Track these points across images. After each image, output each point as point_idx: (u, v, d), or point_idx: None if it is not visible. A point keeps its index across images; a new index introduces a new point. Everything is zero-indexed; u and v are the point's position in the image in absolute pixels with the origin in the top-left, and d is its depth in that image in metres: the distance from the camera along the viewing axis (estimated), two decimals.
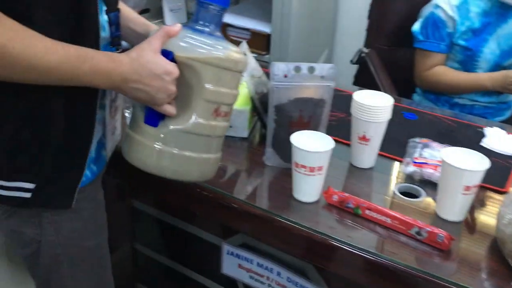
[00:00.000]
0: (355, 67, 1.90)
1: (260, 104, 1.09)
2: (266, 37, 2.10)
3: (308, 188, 0.92)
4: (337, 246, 0.85)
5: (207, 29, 0.81)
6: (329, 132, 1.17)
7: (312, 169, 0.89)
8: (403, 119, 1.29)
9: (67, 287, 0.89)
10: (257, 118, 1.15)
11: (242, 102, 1.10)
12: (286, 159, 1.02)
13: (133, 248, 1.33)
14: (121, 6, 0.94)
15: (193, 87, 0.80)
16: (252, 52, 2.17)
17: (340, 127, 1.19)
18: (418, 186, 1.01)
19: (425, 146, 1.09)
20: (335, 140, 1.15)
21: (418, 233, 0.85)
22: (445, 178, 0.90)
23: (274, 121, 1.00)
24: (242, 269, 1.12)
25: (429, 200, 0.97)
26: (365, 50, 1.77)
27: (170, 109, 0.80)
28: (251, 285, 1.11)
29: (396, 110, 1.32)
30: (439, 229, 0.84)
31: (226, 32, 2.04)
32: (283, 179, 0.99)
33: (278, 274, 1.06)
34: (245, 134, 1.14)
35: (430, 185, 1.00)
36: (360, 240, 0.85)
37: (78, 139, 0.80)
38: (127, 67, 0.75)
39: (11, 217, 0.82)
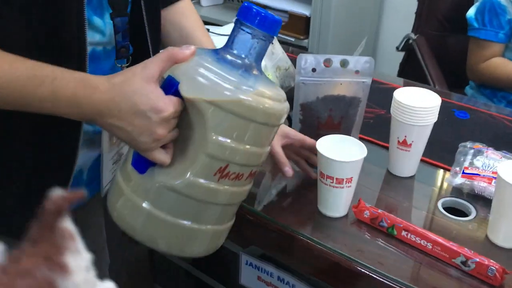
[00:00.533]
0: (401, 56, 1.73)
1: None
2: (305, 20, 1.96)
3: (334, 202, 0.80)
4: (365, 273, 0.72)
5: (239, 61, 0.61)
6: (364, 131, 1.03)
7: (340, 181, 0.77)
8: (454, 118, 1.13)
9: None
10: None
11: None
12: (312, 165, 0.90)
13: (150, 249, 1.25)
14: (191, 17, 0.83)
15: (195, 134, 0.60)
16: (290, 36, 2.03)
17: (378, 126, 1.05)
18: (467, 201, 0.86)
19: (478, 153, 0.94)
20: (371, 142, 1.03)
21: (464, 263, 0.72)
22: (500, 197, 0.75)
23: (300, 122, 0.87)
24: (262, 282, 1.01)
25: (480, 219, 0.82)
26: (413, 36, 1.60)
27: (161, 156, 0.60)
28: None
29: (445, 107, 1.17)
30: (490, 260, 0.70)
31: None
32: (308, 188, 0.87)
33: None
34: None
35: (483, 201, 0.85)
36: (393, 267, 0.72)
37: (55, 168, 0.68)
38: (104, 97, 0.58)
39: None
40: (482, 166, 0.89)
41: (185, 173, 0.60)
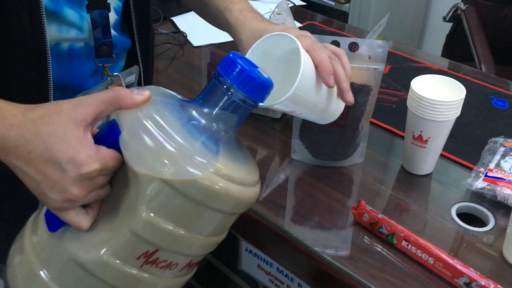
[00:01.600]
0: (448, 28, 1.57)
1: None
2: None
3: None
4: (355, 285, 0.66)
5: (204, 123, 0.47)
6: (383, 118, 0.94)
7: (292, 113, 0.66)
8: (490, 106, 1.01)
9: None
10: None
11: None
12: (315, 154, 0.82)
13: None
14: None
15: (126, 201, 0.46)
16: None
17: (400, 112, 0.95)
18: (486, 209, 0.76)
19: (508, 151, 0.83)
20: (388, 131, 0.93)
21: (468, 285, 0.63)
22: None
23: None
24: (261, 270, 0.97)
25: (498, 231, 0.73)
26: (462, 6, 1.43)
27: (76, 219, 0.47)
28: None
29: (482, 93, 1.05)
30: (498, 285, 0.61)
31: None
32: (309, 182, 0.80)
33: (300, 286, 0.90)
34: (277, 114, 0.95)
35: (504, 210, 0.75)
36: (385, 283, 0.65)
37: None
38: (12, 132, 0.45)
39: None
40: (510, 169, 0.79)
41: (100, 248, 0.46)
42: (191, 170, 0.44)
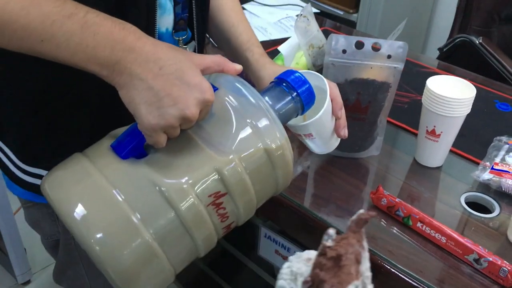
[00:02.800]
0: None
1: None
2: None
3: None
4: (375, 260, 0.73)
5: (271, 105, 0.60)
6: (396, 116, 1.02)
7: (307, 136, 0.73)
8: (494, 109, 1.09)
9: (82, 284, 0.83)
10: None
11: None
12: None
13: None
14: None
15: (214, 142, 0.55)
16: (338, 9, 1.98)
17: (411, 112, 1.03)
18: (492, 198, 0.83)
19: None
20: (401, 128, 1.00)
21: (477, 261, 0.70)
22: None
23: None
24: (278, 256, 1.03)
25: (503, 218, 0.80)
26: (476, 40, 1.49)
27: (162, 138, 0.52)
28: None
29: (487, 97, 1.12)
30: (504, 261, 0.68)
31: None
32: (329, 169, 0.87)
33: None
34: None
35: (508, 199, 0.83)
36: (403, 258, 0.72)
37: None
38: (147, 46, 0.50)
39: (32, 208, 0.77)
40: None
41: (182, 176, 0.52)
42: (278, 135, 0.57)
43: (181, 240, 0.54)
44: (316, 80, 0.69)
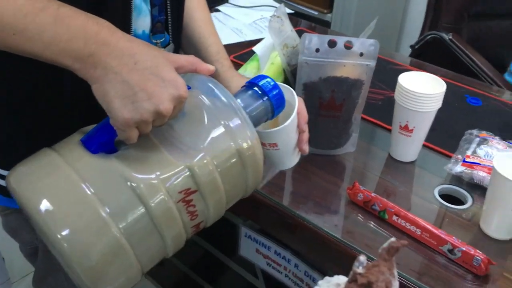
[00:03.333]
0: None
1: (292, 78, 0.97)
2: None
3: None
4: (353, 254, 0.74)
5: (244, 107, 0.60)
6: (371, 113, 1.03)
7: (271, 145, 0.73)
8: (465, 104, 1.11)
9: None
10: None
11: (273, 73, 0.98)
12: (311, 143, 0.91)
13: None
14: (199, 9, 0.80)
15: (187, 140, 0.56)
16: (312, 9, 2.00)
17: (386, 108, 1.05)
18: (465, 190, 0.86)
19: (483, 141, 0.93)
20: (375, 125, 1.02)
21: (451, 251, 0.72)
22: (494, 188, 0.75)
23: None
24: (259, 254, 1.04)
25: (475, 209, 0.82)
26: (446, 36, 1.52)
27: (134, 134, 0.52)
28: (268, 272, 1.03)
29: (458, 92, 1.15)
30: (477, 250, 0.71)
31: None
32: (306, 167, 0.88)
33: (296, 266, 0.98)
34: None
35: (480, 191, 0.85)
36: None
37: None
38: (122, 41, 0.50)
39: (10, 215, 0.76)
40: (484, 155, 0.89)
41: (153, 172, 0.52)
42: (249, 135, 0.58)
43: (149, 236, 0.53)
44: (286, 93, 0.69)
